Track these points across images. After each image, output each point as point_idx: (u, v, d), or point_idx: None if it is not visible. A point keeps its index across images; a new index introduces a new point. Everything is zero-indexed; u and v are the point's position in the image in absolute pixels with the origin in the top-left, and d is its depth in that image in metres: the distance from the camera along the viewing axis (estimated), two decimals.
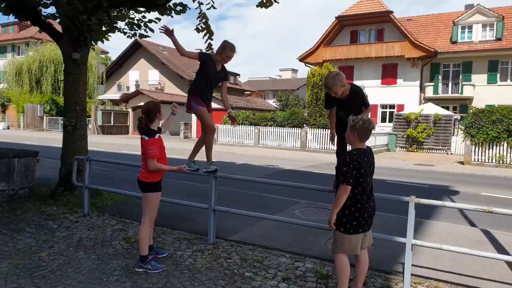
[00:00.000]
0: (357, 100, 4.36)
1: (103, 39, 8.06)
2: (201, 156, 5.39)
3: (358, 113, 4.25)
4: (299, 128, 24.17)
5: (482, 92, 27.77)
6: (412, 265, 4.24)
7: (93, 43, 7.79)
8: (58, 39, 7.51)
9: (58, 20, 7.44)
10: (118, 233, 5.64)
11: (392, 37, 30.07)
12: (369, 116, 4.07)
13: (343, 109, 4.49)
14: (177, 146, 21.36)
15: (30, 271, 4.23)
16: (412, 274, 4.23)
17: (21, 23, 44.42)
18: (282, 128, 24.88)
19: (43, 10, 7.69)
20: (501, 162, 17.47)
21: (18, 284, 3.92)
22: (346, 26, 32.16)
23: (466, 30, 29.30)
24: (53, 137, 24.74)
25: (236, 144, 25.69)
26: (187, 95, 5.33)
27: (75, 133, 7.46)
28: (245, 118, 27.11)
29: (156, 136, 4.35)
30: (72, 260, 4.59)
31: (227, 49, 5.01)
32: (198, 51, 5.57)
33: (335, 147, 4.83)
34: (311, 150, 22.95)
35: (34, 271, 4.23)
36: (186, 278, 4.20)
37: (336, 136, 4.80)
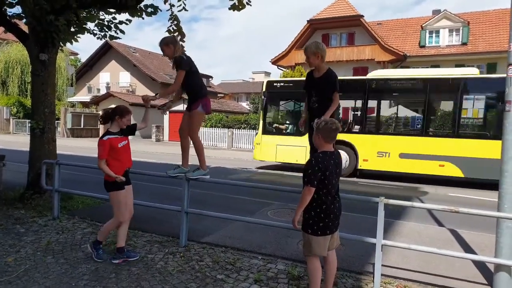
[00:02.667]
0: (329, 82, 4.43)
1: (72, 40, 7.89)
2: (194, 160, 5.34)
3: (327, 102, 4.36)
4: None
5: None
6: (382, 265, 4.32)
7: (62, 44, 7.62)
8: (25, 40, 7.32)
9: (24, 20, 7.25)
10: (89, 236, 5.53)
11: (363, 41, 30.62)
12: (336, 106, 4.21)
13: (315, 92, 4.55)
14: (150, 149, 21.14)
15: None
16: (382, 274, 4.31)
17: None
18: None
19: (8, 10, 7.49)
20: None
21: None
22: (317, 30, 32.52)
23: (434, 34, 30.14)
24: (20, 141, 24.05)
25: (209, 147, 25.58)
26: (197, 99, 5.17)
27: (43, 136, 7.28)
28: (218, 120, 27.04)
29: (106, 138, 4.50)
30: (40, 264, 4.48)
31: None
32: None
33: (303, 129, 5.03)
34: None
35: None
36: (157, 282, 4.16)
37: (305, 121, 5.00)
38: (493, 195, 10.16)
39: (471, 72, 12.74)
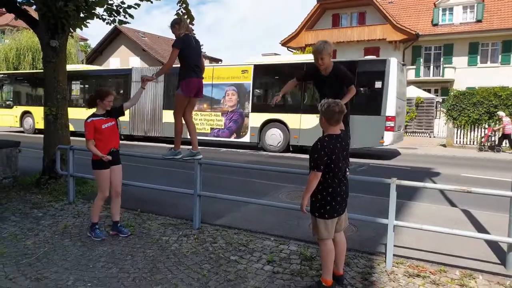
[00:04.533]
0: (338, 78, 4.37)
1: (82, 26, 7.91)
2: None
3: (339, 95, 4.29)
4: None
5: (463, 74, 28.11)
6: (394, 245, 4.35)
7: (71, 30, 7.65)
8: (35, 26, 7.35)
9: (34, 6, 7.28)
10: (104, 219, 5.64)
11: (374, 20, 30.15)
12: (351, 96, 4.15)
13: (328, 90, 4.50)
14: None
15: (15, 259, 4.23)
16: (394, 255, 4.35)
17: None
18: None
19: None
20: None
21: (4, 272, 3.92)
22: (327, 10, 32.08)
23: (447, 12, 29.50)
24: None
25: None
26: (180, 80, 5.40)
27: (56, 122, 7.38)
28: None
29: (90, 120, 4.78)
30: (58, 247, 4.59)
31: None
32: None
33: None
34: None
35: (20, 259, 4.23)
36: (172, 263, 4.24)
37: (277, 100, 5.14)
38: (507, 175, 10.08)
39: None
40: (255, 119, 15.16)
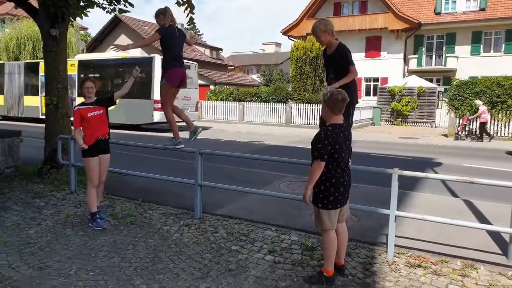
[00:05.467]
0: (341, 57, 4.32)
1: (82, 14, 7.86)
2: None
3: (342, 76, 4.23)
4: (284, 104, 24.10)
5: (466, 63, 27.91)
6: (396, 236, 4.35)
7: (72, 19, 7.60)
8: (35, 15, 7.30)
9: None
10: (105, 209, 5.65)
11: (376, 9, 29.86)
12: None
13: (329, 68, 4.47)
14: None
15: (18, 248, 4.25)
16: (395, 245, 4.35)
17: None
18: (267, 103, 24.77)
19: None
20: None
21: (7, 261, 3.94)
22: None
23: (450, 0, 29.20)
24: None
25: (221, 121, 25.57)
26: (164, 71, 5.50)
27: (57, 111, 7.36)
28: (229, 94, 26.90)
29: (76, 108, 4.96)
30: (60, 237, 4.61)
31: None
32: (179, 25, 5.55)
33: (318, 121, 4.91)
34: (296, 125, 22.97)
35: (22, 248, 4.25)
36: (174, 253, 4.26)
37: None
38: (509, 165, 10.07)
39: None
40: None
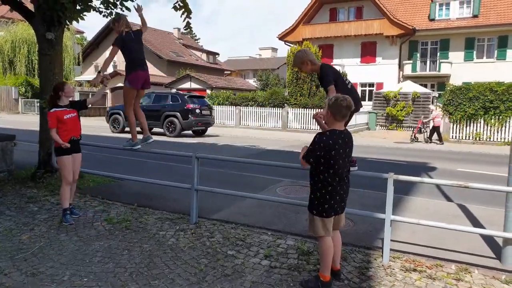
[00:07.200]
0: (320, 79, 4.38)
1: (78, 18, 7.83)
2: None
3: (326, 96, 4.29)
4: (280, 108, 24.15)
5: (459, 69, 28.16)
6: (391, 240, 4.36)
7: (68, 23, 7.58)
8: (31, 18, 7.27)
9: None
10: (100, 214, 5.62)
11: (371, 15, 30.09)
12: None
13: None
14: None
15: (11, 254, 4.21)
16: (391, 249, 4.36)
17: None
18: (263, 108, 24.80)
19: None
20: (477, 139, 17.88)
21: None
22: (325, 4, 31.98)
23: (444, 7, 29.46)
24: (30, 120, 24.18)
25: (217, 125, 25.54)
26: (126, 74, 5.74)
27: None
28: (225, 98, 26.92)
29: (53, 110, 5.18)
30: (54, 242, 4.57)
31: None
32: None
33: (317, 126, 4.94)
34: (292, 130, 23.03)
35: (15, 254, 4.20)
36: (169, 258, 4.23)
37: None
38: (502, 170, 10.13)
39: None
40: None
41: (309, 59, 4.32)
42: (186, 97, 18.66)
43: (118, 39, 5.52)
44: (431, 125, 18.35)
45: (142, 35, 5.80)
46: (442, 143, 17.48)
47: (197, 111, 18.17)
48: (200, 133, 19.52)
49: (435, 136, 17.94)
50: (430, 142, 17.86)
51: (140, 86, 5.75)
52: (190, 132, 19.06)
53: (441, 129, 18.18)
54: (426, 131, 18.73)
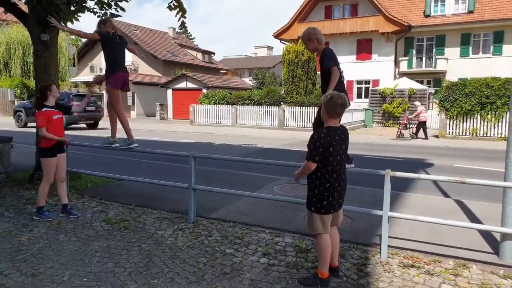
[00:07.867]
0: (323, 61, 4.42)
1: (73, 19, 7.81)
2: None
3: (328, 80, 4.31)
4: (276, 107, 24.14)
5: (455, 65, 28.22)
6: (389, 236, 4.38)
7: (62, 24, 7.55)
8: (25, 20, 7.25)
9: (24, 0, 7.17)
10: (99, 214, 5.63)
11: (366, 12, 30.09)
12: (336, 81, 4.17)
13: (321, 75, 4.54)
14: (154, 127, 21.20)
15: (10, 255, 4.21)
16: (389, 246, 4.38)
17: None
18: (260, 106, 24.78)
19: None
20: (474, 134, 17.92)
21: None
22: (320, 1, 31.95)
23: (439, 3, 29.47)
24: None
25: (213, 124, 25.55)
26: (107, 76, 5.88)
27: None
28: (221, 97, 26.89)
29: (43, 109, 5.27)
30: (53, 243, 4.58)
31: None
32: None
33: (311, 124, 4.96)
34: (289, 128, 23.02)
35: (14, 255, 4.21)
36: (168, 257, 4.25)
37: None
38: (499, 165, 10.17)
39: None
40: None
41: (316, 37, 4.45)
42: (72, 96, 20.75)
43: (103, 33, 5.71)
44: (417, 121, 18.54)
45: (126, 45, 5.98)
46: (427, 139, 17.59)
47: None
48: (93, 126, 22.21)
49: (421, 132, 18.14)
50: (416, 138, 18.01)
51: (120, 86, 5.87)
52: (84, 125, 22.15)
53: (427, 125, 18.56)
54: (412, 127, 18.90)
